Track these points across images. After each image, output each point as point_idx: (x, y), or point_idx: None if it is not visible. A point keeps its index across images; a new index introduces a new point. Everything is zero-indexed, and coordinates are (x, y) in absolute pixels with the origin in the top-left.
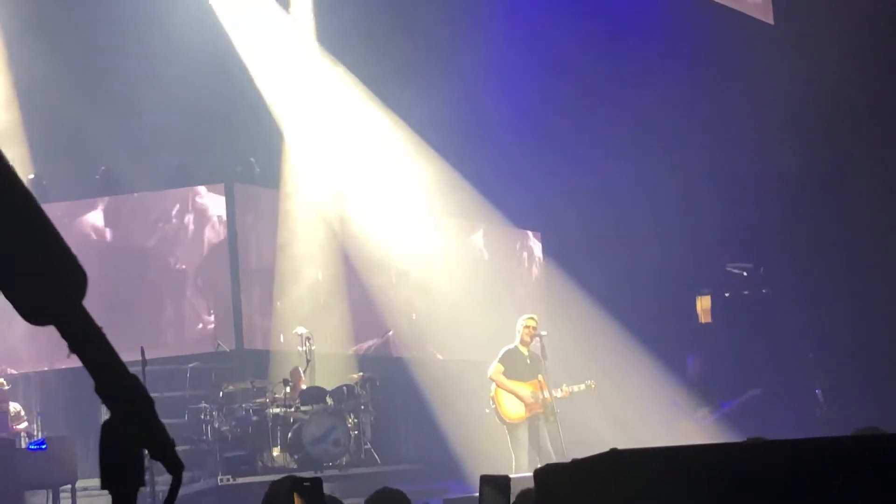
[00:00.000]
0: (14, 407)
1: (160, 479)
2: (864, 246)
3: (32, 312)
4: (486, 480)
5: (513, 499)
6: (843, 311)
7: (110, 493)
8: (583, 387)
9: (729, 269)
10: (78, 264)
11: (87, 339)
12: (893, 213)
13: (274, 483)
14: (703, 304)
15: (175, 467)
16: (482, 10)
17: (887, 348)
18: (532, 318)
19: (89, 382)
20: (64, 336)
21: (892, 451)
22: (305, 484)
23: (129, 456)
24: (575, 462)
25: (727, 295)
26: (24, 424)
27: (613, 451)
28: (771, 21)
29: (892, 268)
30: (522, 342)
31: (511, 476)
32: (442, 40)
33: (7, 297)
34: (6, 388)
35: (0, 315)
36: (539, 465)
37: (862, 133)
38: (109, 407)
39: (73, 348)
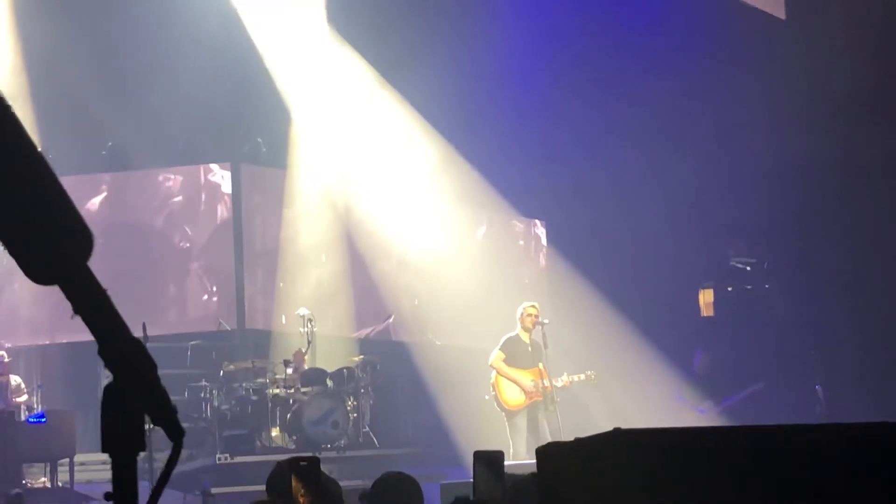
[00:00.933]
0: (14, 380)
1: (159, 457)
2: (868, 242)
3: (38, 272)
4: (480, 456)
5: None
6: (845, 307)
7: (111, 456)
8: (583, 377)
9: (733, 263)
10: (85, 225)
11: (91, 301)
12: None
13: (279, 463)
14: (706, 297)
15: (176, 433)
16: None
17: (889, 345)
18: (533, 306)
19: (90, 357)
20: (68, 297)
21: None
22: (302, 463)
23: (130, 420)
24: (577, 441)
25: (730, 289)
26: (24, 397)
27: (616, 431)
28: (783, 16)
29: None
30: (524, 329)
31: (508, 463)
32: (452, 25)
33: (13, 255)
34: (7, 360)
35: (1, 289)
36: None
37: (870, 128)
38: (112, 370)
39: (78, 310)
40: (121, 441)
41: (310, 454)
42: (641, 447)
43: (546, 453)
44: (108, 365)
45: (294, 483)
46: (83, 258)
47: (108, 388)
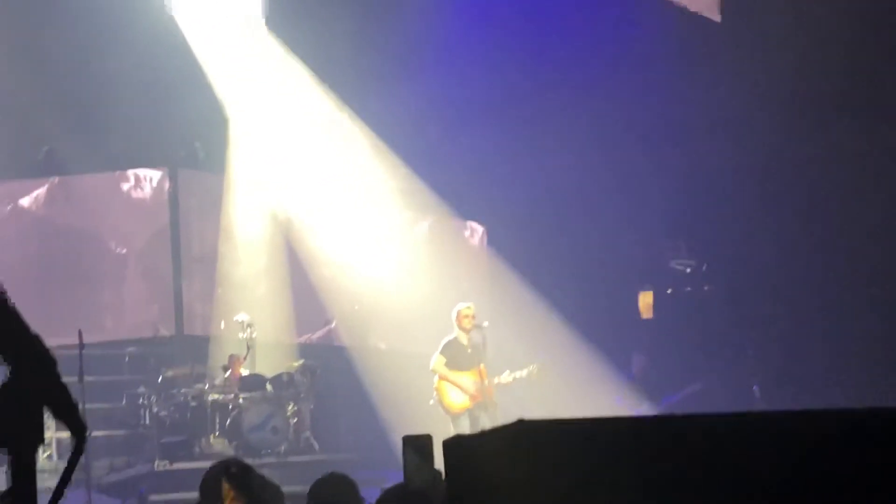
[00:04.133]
0: None
1: (96, 464)
2: (805, 244)
3: None
4: (408, 441)
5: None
6: (782, 309)
7: (8, 452)
8: (525, 373)
9: (672, 265)
10: None
11: None
12: (832, 211)
13: (212, 466)
14: (646, 299)
15: (78, 430)
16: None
17: (825, 346)
18: (469, 307)
19: None
20: None
21: (815, 428)
22: (232, 471)
23: (28, 413)
24: (483, 433)
25: (669, 291)
26: None
27: (520, 422)
28: (718, 18)
29: (830, 266)
30: (462, 331)
31: None
32: (392, 24)
33: None
34: None
35: None
36: None
37: (811, 128)
38: (9, 364)
39: None
40: (19, 437)
41: (250, 461)
42: (545, 438)
43: (453, 446)
44: (6, 361)
45: (225, 487)
46: None
47: (5, 385)
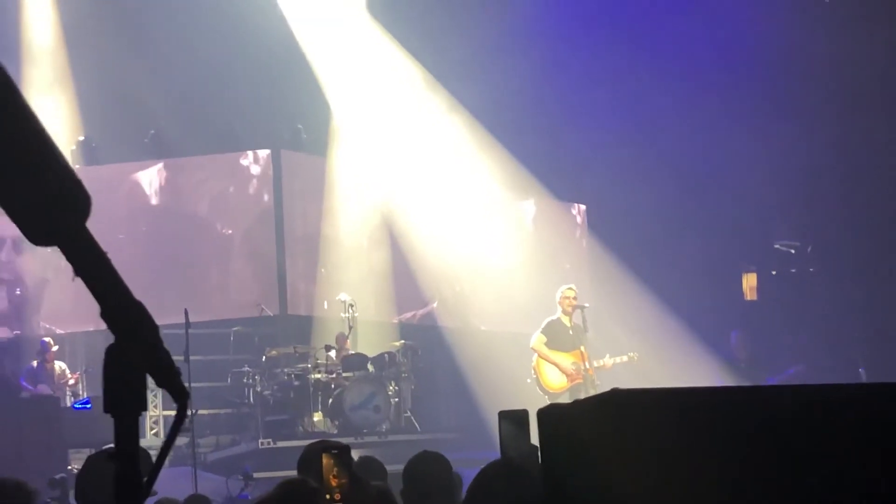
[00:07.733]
0: (59, 366)
1: (202, 442)
2: None
3: (37, 233)
4: (505, 415)
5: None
6: (888, 290)
7: (112, 416)
8: (625, 358)
9: (777, 246)
10: (81, 186)
11: (91, 263)
12: None
13: (308, 447)
14: (750, 281)
15: (179, 395)
16: None
17: None
18: (571, 289)
19: None
20: (68, 259)
21: None
22: (334, 452)
23: (131, 381)
24: (577, 402)
25: (774, 273)
26: (69, 382)
27: (614, 391)
28: None
29: None
30: (564, 313)
31: None
32: (492, 12)
33: (12, 218)
34: (54, 348)
35: (51, 276)
36: None
37: None
38: (114, 332)
39: (78, 272)
40: (122, 401)
41: (351, 440)
42: (638, 407)
43: (546, 415)
44: (109, 327)
45: (325, 462)
46: (81, 219)
47: (109, 350)
